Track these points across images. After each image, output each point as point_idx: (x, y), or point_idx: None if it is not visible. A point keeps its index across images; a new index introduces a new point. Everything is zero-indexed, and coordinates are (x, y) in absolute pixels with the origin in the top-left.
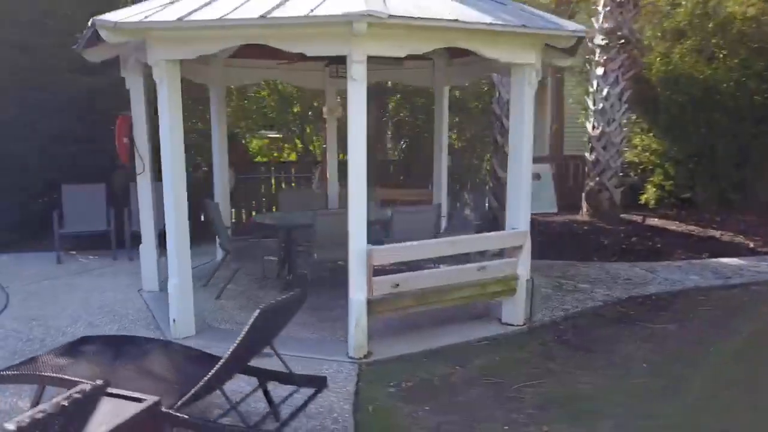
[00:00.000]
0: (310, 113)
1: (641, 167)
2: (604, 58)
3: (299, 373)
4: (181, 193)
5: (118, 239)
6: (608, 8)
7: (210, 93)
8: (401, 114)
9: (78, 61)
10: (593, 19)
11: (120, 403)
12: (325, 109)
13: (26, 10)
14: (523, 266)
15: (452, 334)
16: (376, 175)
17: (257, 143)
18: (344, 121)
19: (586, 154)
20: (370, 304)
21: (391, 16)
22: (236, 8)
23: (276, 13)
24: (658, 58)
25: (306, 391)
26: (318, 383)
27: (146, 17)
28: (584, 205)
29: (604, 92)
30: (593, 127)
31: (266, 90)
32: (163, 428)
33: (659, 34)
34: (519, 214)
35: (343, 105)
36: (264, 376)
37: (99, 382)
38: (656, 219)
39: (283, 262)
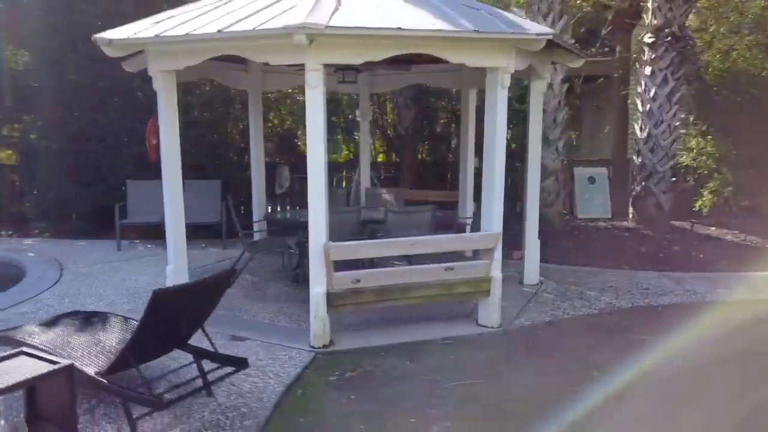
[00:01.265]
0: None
1: (698, 172)
2: (652, 56)
3: (225, 354)
4: (176, 189)
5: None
6: (656, 4)
7: (249, 97)
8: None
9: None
10: (644, 16)
11: (36, 363)
12: (357, 112)
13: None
14: (497, 269)
15: (424, 332)
16: (414, 176)
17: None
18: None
19: (634, 158)
20: (332, 297)
21: (327, 27)
22: (204, 25)
23: (231, 28)
24: (718, 56)
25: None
26: (238, 363)
27: (134, 34)
28: (630, 210)
29: (652, 93)
30: (640, 130)
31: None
32: (73, 387)
33: (722, 30)
34: (492, 216)
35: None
36: (197, 354)
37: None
38: (711, 228)
39: (300, 256)
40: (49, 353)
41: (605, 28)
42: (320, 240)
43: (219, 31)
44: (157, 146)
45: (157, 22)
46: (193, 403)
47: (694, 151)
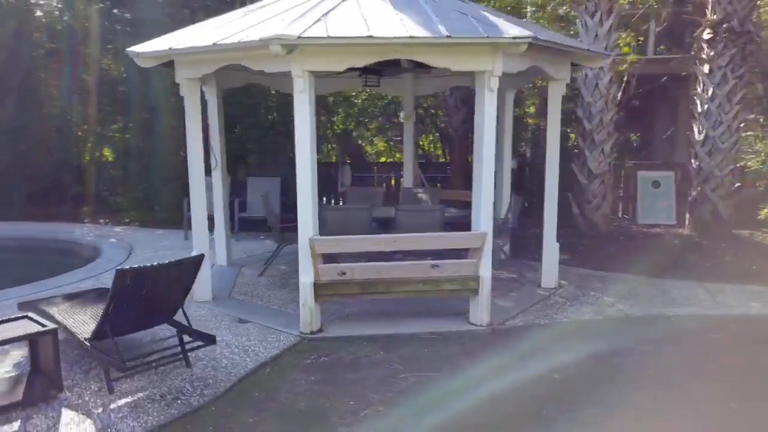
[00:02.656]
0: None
1: None
2: (711, 53)
3: (198, 330)
4: (199, 184)
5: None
6: None
7: None
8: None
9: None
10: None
11: (33, 326)
12: (401, 115)
13: None
14: (486, 268)
15: (413, 326)
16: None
17: (382, 144)
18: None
19: (692, 161)
20: (319, 287)
21: (299, 38)
22: (210, 37)
23: (222, 41)
24: None
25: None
26: (207, 339)
27: (154, 47)
28: (687, 217)
29: (710, 92)
30: (698, 131)
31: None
32: (57, 347)
33: None
34: (480, 216)
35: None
36: (179, 328)
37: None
38: None
39: None
40: (56, 320)
41: (660, 25)
42: (307, 234)
43: (214, 44)
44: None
45: (180, 36)
46: (170, 371)
47: (762, 154)
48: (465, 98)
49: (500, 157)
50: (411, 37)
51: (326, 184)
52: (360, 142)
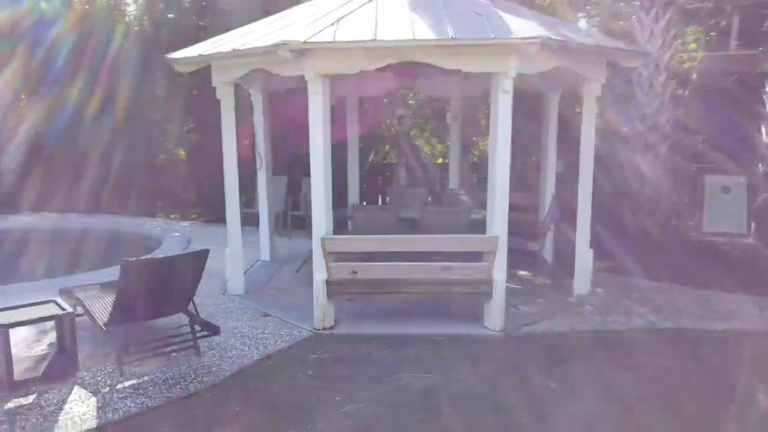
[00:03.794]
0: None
1: None
2: None
3: (205, 320)
4: (234, 184)
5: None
6: None
7: (348, 102)
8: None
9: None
10: None
11: (55, 309)
12: (448, 116)
13: None
14: (499, 272)
15: (427, 327)
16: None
17: (441, 146)
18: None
19: (759, 165)
20: (331, 285)
21: (305, 42)
22: (234, 43)
23: (240, 47)
24: None
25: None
26: (212, 329)
27: (188, 53)
28: (751, 225)
29: None
30: (766, 134)
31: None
32: (74, 329)
33: None
34: (493, 219)
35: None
36: (191, 318)
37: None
38: None
39: None
40: (83, 305)
41: (727, 19)
42: (320, 233)
43: (233, 50)
44: (250, 147)
45: (213, 42)
46: (181, 358)
47: None
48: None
49: (544, 159)
50: (414, 39)
51: (382, 184)
52: (417, 142)
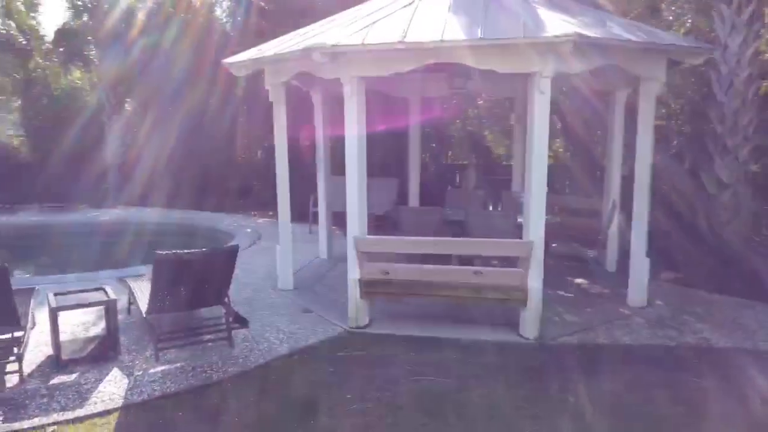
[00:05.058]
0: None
1: None
2: None
3: (237, 313)
4: (284, 183)
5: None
6: None
7: (409, 104)
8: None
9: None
10: None
11: (101, 296)
12: (513, 116)
13: None
14: (535, 279)
15: (461, 332)
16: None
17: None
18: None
19: None
20: (363, 284)
21: (333, 46)
22: (272, 50)
23: (280, 51)
24: None
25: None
26: (242, 322)
27: (239, 58)
28: None
29: None
30: None
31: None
32: (115, 315)
33: None
34: (529, 224)
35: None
36: (226, 310)
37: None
38: None
39: None
40: (132, 293)
41: None
42: (353, 232)
43: (274, 54)
44: (310, 146)
45: (261, 47)
46: (215, 347)
47: None
48: (587, 99)
49: (609, 161)
50: (442, 40)
51: (451, 185)
52: (488, 143)
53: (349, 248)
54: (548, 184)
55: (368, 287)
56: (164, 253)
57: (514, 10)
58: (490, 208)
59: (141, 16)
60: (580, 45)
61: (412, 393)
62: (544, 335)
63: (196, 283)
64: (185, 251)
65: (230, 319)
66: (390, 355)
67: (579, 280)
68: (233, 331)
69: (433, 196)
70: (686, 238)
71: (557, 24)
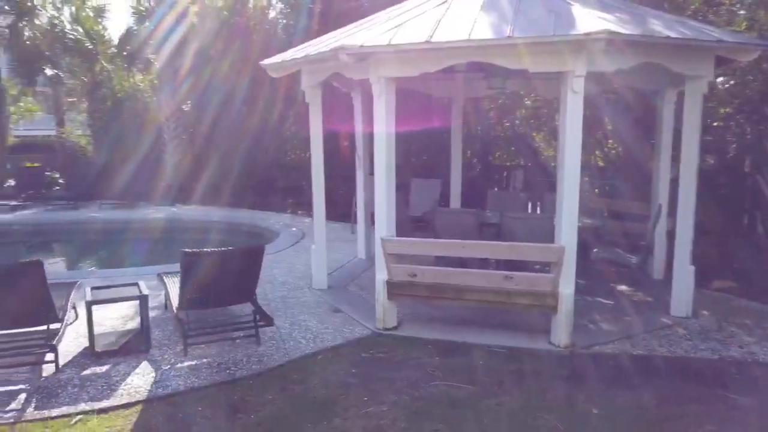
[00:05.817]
0: None
1: None
2: None
3: (263, 311)
4: (320, 182)
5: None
6: None
7: (453, 104)
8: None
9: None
10: None
11: (134, 290)
12: (558, 117)
13: None
14: (566, 285)
15: (489, 337)
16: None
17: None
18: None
19: None
20: (391, 286)
21: (361, 47)
22: (304, 51)
23: (310, 53)
24: None
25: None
26: (268, 320)
27: (272, 60)
28: None
29: None
30: None
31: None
32: (147, 309)
33: None
34: (562, 228)
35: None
36: (255, 307)
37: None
38: None
39: None
40: (166, 289)
41: None
42: (381, 233)
43: (305, 56)
44: (350, 148)
45: (302, 47)
46: (243, 344)
47: None
48: (637, 99)
49: (657, 163)
50: (468, 40)
51: (498, 187)
52: (536, 144)
53: (377, 249)
54: (597, 186)
55: (395, 289)
56: (190, 251)
57: (548, 8)
58: (538, 211)
59: (195, 20)
60: (614, 42)
61: (431, 397)
62: (576, 343)
63: (222, 280)
64: (210, 249)
65: (257, 317)
66: (414, 358)
67: (621, 287)
68: (261, 329)
69: (478, 197)
70: (744, 246)
71: (590, 21)
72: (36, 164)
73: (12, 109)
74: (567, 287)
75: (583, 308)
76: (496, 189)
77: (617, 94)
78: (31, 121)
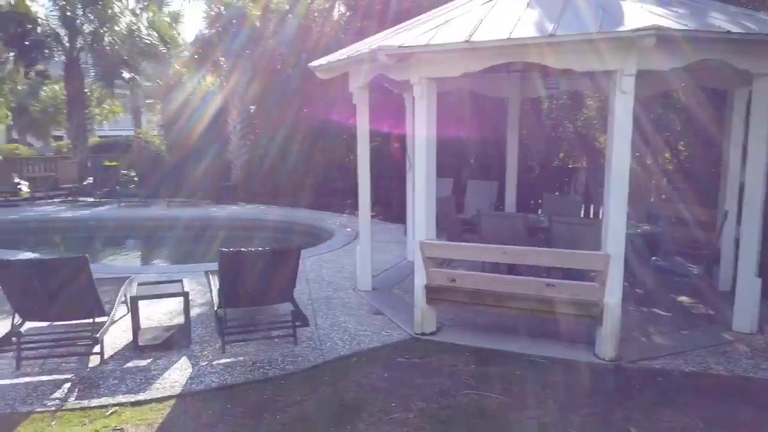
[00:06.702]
0: None
1: None
2: None
3: (300, 312)
4: (366, 185)
5: None
6: None
7: (509, 104)
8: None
9: None
10: None
11: (179, 286)
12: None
13: None
14: (612, 295)
15: (531, 347)
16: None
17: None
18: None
19: None
20: (430, 290)
21: (399, 47)
22: (344, 53)
23: (352, 54)
24: None
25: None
26: (303, 320)
27: (319, 63)
28: None
29: None
30: None
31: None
32: (188, 306)
33: None
34: (608, 234)
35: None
36: (294, 306)
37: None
38: None
39: None
40: (210, 287)
41: None
42: (420, 236)
43: (347, 57)
44: (401, 149)
45: (343, 51)
46: (281, 343)
47: None
48: (710, 97)
49: (725, 168)
50: (509, 39)
51: (560, 190)
52: (600, 146)
53: (416, 252)
54: (662, 191)
55: (434, 293)
56: (227, 250)
57: (599, 3)
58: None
59: (258, 23)
60: (667, 39)
61: (459, 407)
62: (623, 357)
63: (258, 280)
64: (245, 249)
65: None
66: (449, 365)
67: (682, 298)
68: (301, 329)
69: (536, 200)
70: None
71: (639, 16)
72: (114, 163)
73: (96, 110)
74: (613, 297)
75: (636, 319)
76: (557, 192)
77: (683, 93)
78: (115, 121)
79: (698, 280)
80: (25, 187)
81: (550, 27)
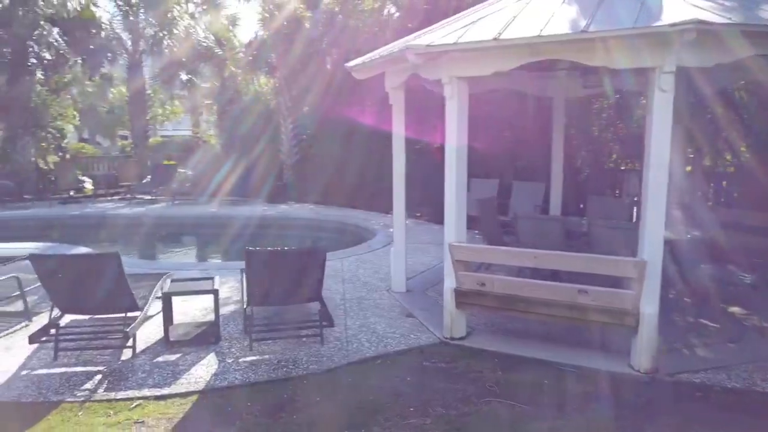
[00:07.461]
0: None
1: None
2: None
3: (326, 312)
4: (401, 186)
5: None
6: None
7: (553, 104)
8: None
9: None
10: None
11: (210, 284)
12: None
13: None
14: (649, 303)
15: (564, 355)
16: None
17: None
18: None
19: None
20: (459, 295)
21: (428, 46)
22: (377, 53)
23: (384, 53)
24: None
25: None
26: (329, 321)
27: (354, 63)
28: None
29: None
30: None
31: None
32: (217, 302)
33: None
34: (645, 240)
35: None
36: (322, 306)
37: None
38: None
39: None
40: (243, 283)
41: None
42: (449, 238)
43: (379, 56)
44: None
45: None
46: (307, 343)
47: None
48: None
49: None
50: (539, 36)
51: (611, 192)
52: None
53: (445, 255)
54: (719, 195)
55: (463, 298)
56: (252, 249)
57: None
58: None
59: (308, 24)
60: (709, 33)
61: (479, 414)
62: (660, 369)
63: (283, 279)
64: (269, 249)
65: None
66: (475, 371)
67: (733, 309)
68: (329, 329)
69: (583, 202)
70: None
71: (679, 10)
72: (171, 162)
73: (159, 111)
74: (649, 306)
75: (680, 330)
76: (606, 194)
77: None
78: (177, 121)
79: (752, 289)
80: (88, 184)
81: (583, 23)
